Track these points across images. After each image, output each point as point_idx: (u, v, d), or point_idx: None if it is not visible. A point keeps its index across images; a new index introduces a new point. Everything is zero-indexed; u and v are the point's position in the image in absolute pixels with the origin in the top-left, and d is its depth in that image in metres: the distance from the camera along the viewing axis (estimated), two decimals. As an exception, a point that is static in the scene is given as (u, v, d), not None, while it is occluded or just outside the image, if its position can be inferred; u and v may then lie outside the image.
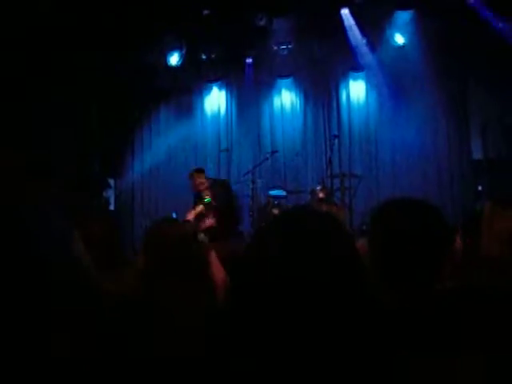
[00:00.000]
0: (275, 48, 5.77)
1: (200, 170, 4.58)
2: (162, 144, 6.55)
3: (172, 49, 5.71)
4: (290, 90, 6.27)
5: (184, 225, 1.74)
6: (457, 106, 5.74)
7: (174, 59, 5.78)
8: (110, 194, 6.53)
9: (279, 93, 6.29)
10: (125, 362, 1.18)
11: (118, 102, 6.03)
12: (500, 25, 5.03)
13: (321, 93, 6.17)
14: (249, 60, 5.99)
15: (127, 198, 6.66)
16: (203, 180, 4.47)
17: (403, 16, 5.52)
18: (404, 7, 5.43)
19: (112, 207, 6.49)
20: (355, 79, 6.13)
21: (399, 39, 5.66)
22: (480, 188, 5.33)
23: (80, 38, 4.92)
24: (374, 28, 5.64)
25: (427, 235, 1.13)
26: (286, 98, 6.29)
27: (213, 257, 2.01)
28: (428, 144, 5.79)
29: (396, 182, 5.75)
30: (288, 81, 6.21)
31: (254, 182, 5.31)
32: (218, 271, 2.00)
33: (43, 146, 5.05)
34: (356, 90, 6.14)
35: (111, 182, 6.55)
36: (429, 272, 1.10)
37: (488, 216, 1.41)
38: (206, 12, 5.06)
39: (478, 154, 5.62)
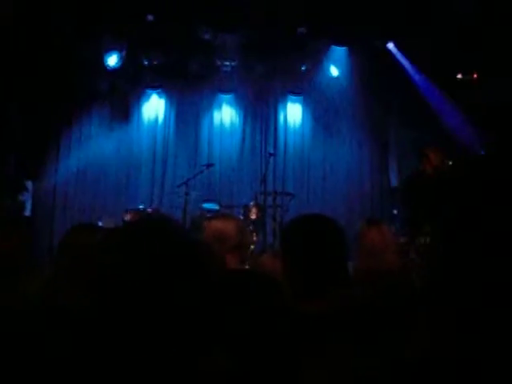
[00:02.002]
0: (219, 63, 5.86)
1: None
2: (92, 148, 6.17)
3: (111, 49, 5.45)
4: (230, 105, 6.37)
5: (105, 233, 1.63)
6: (379, 137, 6.34)
7: (112, 60, 5.52)
8: (27, 198, 5.98)
9: (219, 107, 6.35)
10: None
11: (44, 98, 5.60)
12: (416, 76, 5.75)
13: (260, 112, 6.37)
14: (191, 71, 5.99)
15: (47, 203, 6.15)
16: None
17: (338, 51, 6.01)
18: (339, 43, 5.93)
19: (28, 212, 5.94)
20: (293, 102, 6.44)
21: (334, 71, 6.12)
22: (395, 212, 5.86)
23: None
24: (312, 58, 6.03)
25: (324, 247, 1.28)
26: (226, 114, 6.37)
27: None
28: (353, 169, 6.30)
29: (324, 203, 6.07)
30: (229, 97, 6.31)
31: (187, 193, 5.24)
32: None
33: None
34: (293, 112, 6.45)
35: (29, 184, 6.01)
36: (327, 280, 1.22)
37: (359, 234, 1.63)
38: (150, 17, 4.97)
39: (394, 182, 6.27)
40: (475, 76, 5.76)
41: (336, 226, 1.35)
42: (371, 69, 5.94)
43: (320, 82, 6.17)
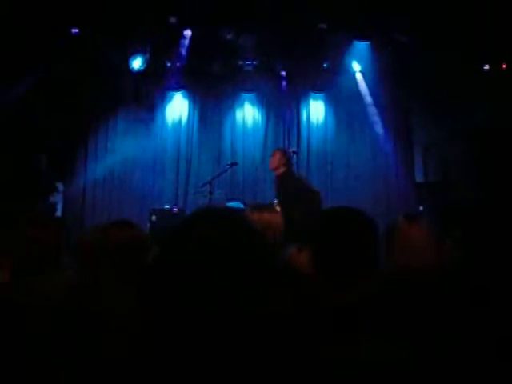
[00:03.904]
0: (240, 63, 5.89)
1: None
2: (118, 149, 6.32)
3: (135, 52, 5.58)
4: (252, 104, 6.39)
5: (138, 229, 1.61)
6: (403, 132, 6.22)
7: (136, 63, 5.65)
8: (58, 199, 6.16)
9: (242, 107, 6.38)
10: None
11: (73, 101, 5.78)
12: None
13: (282, 110, 6.35)
14: (214, 72, 6.04)
15: (76, 203, 6.33)
16: None
17: (360, 46, 5.93)
18: (361, 38, 5.85)
19: (59, 213, 6.12)
20: (315, 99, 6.40)
21: (356, 66, 6.04)
22: (421, 208, 5.75)
23: (32, 31, 4.73)
24: (334, 54, 5.97)
25: (357, 239, 1.26)
26: (249, 113, 6.39)
27: None
28: (379, 165, 6.20)
29: (349, 200, 5.99)
30: (251, 96, 6.33)
31: (211, 193, 5.29)
32: None
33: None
34: (316, 109, 6.41)
35: (60, 186, 6.19)
36: (358, 273, 1.23)
37: (398, 230, 1.61)
38: (172, 19, 5.04)
39: (420, 178, 6.14)
40: (504, 67, 5.58)
41: (367, 219, 1.34)
42: (394, 62, 5.84)
43: (342, 78, 6.11)
